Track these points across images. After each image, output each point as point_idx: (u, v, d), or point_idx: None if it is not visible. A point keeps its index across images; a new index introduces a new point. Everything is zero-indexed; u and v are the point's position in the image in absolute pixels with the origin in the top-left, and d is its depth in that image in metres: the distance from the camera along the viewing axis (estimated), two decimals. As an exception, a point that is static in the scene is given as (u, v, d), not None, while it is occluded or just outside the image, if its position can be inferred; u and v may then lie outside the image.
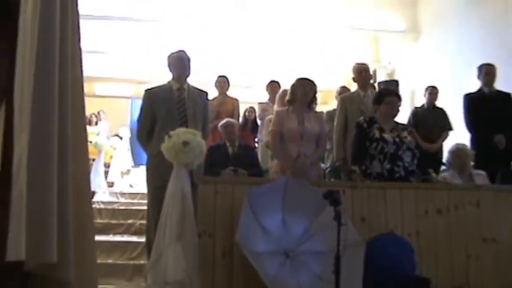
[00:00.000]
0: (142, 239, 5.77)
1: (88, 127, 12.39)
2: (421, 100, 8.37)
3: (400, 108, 5.19)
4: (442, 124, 7.41)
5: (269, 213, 4.30)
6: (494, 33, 10.31)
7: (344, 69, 11.04)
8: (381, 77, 13.47)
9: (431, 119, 7.45)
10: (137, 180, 10.74)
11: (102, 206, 8.13)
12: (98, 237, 6.18)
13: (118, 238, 6.68)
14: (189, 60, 5.30)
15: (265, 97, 8.40)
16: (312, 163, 5.09)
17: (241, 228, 4.04)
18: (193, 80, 5.38)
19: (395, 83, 12.01)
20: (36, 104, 1.99)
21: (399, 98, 5.22)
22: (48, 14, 2.04)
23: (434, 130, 7.35)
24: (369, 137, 4.97)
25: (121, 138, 12.42)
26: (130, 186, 10.96)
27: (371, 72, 7.07)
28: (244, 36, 13.24)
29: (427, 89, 7.77)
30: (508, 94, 6.58)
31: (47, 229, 1.94)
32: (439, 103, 7.71)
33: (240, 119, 8.66)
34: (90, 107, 13.14)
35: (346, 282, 3.63)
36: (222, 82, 8.35)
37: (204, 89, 5.52)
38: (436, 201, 4.82)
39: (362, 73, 6.48)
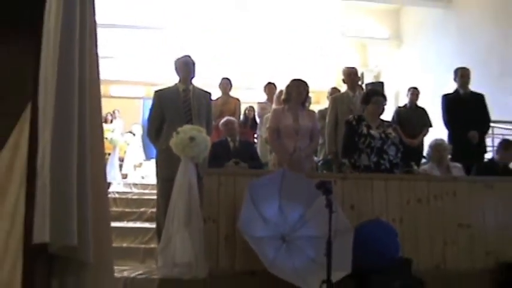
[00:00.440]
0: (153, 225, 5.76)
1: (104, 125, 12.35)
2: (404, 100, 8.37)
3: (385, 107, 5.19)
4: (423, 122, 7.42)
5: (267, 202, 4.31)
6: (470, 40, 10.32)
7: (335, 72, 11.06)
8: (368, 79, 13.51)
9: (413, 117, 7.46)
10: (148, 173, 10.71)
11: (117, 196, 8.12)
12: (113, 224, 6.16)
13: (131, 224, 6.66)
14: (193, 63, 5.29)
15: (263, 97, 8.40)
16: (307, 156, 5.10)
17: (243, 216, 4.06)
18: (197, 82, 5.38)
19: (381, 84, 12.01)
20: (58, 105, 1.99)
21: (384, 98, 5.22)
22: (69, 24, 2.05)
23: (416, 127, 7.35)
24: (357, 133, 4.97)
25: (134, 134, 12.40)
26: (142, 177, 10.94)
27: (359, 75, 7.06)
28: (245, 36, 13.21)
29: (409, 90, 7.77)
30: (481, 95, 6.59)
31: (68, 216, 1.96)
32: (420, 103, 7.71)
33: (241, 117, 8.66)
34: (106, 107, 13.15)
35: (337, 264, 3.65)
36: (225, 84, 8.35)
37: (208, 90, 5.52)
38: (417, 191, 4.84)
39: (351, 76, 6.49)
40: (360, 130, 4.98)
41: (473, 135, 6.25)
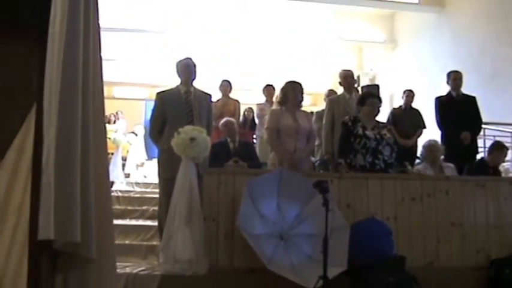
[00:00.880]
0: (155, 223, 5.76)
1: (107, 125, 12.40)
2: (398, 102, 8.39)
3: (380, 109, 5.20)
4: (417, 123, 7.42)
5: (266, 201, 4.32)
6: (463, 43, 10.35)
7: (332, 74, 11.05)
8: (364, 81, 13.53)
9: (407, 119, 7.46)
10: (150, 172, 10.70)
11: (120, 194, 8.10)
12: (116, 221, 6.17)
13: (134, 222, 6.65)
14: (194, 66, 5.29)
15: (262, 99, 8.40)
16: (306, 156, 5.10)
17: (241, 214, 4.06)
18: (198, 84, 5.37)
19: (377, 87, 11.99)
20: (62, 106, 2.00)
21: (380, 100, 5.23)
22: (73, 28, 2.05)
23: (410, 128, 7.36)
24: (353, 133, 4.97)
25: (136, 135, 12.39)
26: (144, 176, 10.92)
27: (355, 78, 7.06)
28: (245, 36, 13.20)
29: (404, 92, 7.77)
30: (473, 97, 6.59)
31: (72, 213, 1.96)
32: (414, 104, 7.73)
33: (241, 118, 8.66)
34: (110, 108, 13.13)
35: (333, 261, 3.66)
36: (225, 86, 8.34)
37: (208, 91, 5.52)
38: (411, 190, 4.85)
39: (347, 78, 6.50)
40: (355, 131, 4.98)
41: (465, 136, 6.26)
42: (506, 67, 9.05)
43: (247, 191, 4.18)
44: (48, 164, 1.95)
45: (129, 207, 7.35)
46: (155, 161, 5.63)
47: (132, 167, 11.49)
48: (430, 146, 5.88)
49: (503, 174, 6.55)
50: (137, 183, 9.39)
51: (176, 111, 5.08)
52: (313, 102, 14.26)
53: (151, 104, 5.46)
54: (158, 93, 5.30)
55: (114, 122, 13.24)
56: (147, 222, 6.53)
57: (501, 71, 9.16)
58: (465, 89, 6.64)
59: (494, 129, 8.28)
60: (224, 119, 6.57)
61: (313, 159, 6.40)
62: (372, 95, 5.50)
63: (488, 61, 9.48)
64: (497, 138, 7.11)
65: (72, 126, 2.02)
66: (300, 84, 5.14)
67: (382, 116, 6.02)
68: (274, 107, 6.71)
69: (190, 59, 5.33)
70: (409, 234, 4.72)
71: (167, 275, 4.11)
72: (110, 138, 10.62)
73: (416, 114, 7.52)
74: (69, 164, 1.99)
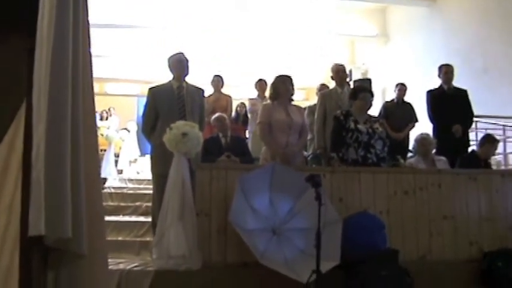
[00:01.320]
0: (148, 219, 5.77)
1: (100, 121, 12.40)
2: (391, 96, 8.41)
3: (372, 103, 5.20)
4: (409, 116, 7.45)
5: (258, 195, 4.32)
6: (454, 37, 10.38)
7: (324, 69, 11.07)
8: (356, 75, 13.56)
9: (399, 112, 7.48)
10: (143, 168, 10.72)
11: (112, 191, 8.11)
12: (109, 218, 6.18)
13: (127, 218, 6.65)
14: (187, 61, 5.26)
15: (254, 93, 8.40)
16: (298, 150, 5.09)
17: (234, 209, 4.06)
18: (196, 80, 5.35)
19: (369, 81, 12.05)
20: (51, 102, 1.99)
21: (372, 94, 5.23)
22: (62, 24, 2.04)
23: (402, 121, 7.38)
24: (345, 128, 4.98)
25: (129, 131, 12.38)
26: (137, 173, 10.93)
27: (347, 72, 7.07)
28: (245, 36, 13.20)
29: (396, 85, 7.79)
30: (465, 90, 6.62)
31: (63, 209, 1.96)
32: (407, 98, 7.74)
33: (233, 114, 8.66)
34: (102, 104, 13.17)
35: (326, 255, 3.67)
36: (217, 81, 8.34)
37: (203, 87, 5.51)
38: (403, 183, 4.86)
39: (339, 72, 6.50)
40: (347, 125, 4.99)
41: (456, 129, 6.28)
42: (498, 60, 9.09)
43: (240, 186, 4.18)
44: (38, 160, 1.94)
45: (122, 204, 7.35)
46: (148, 157, 5.62)
47: (125, 163, 11.50)
48: (422, 139, 5.91)
49: (494, 167, 6.59)
50: (130, 180, 9.41)
51: (168, 107, 5.06)
52: (306, 97, 14.28)
53: (144, 100, 5.44)
54: (150, 89, 5.29)
55: (107, 119, 13.23)
56: (140, 219, 6.53)
57: (493, 64, 9.19)
58: (457, 83, 6.67)
59: (486, 122, 8.32)
60: (216, 114, 6.57)
61: (305, 153, 6.41)
62: (364, 89, 5.51)
63: (480, 55, 9.51)
64: (489, 131, 7.13)
65: (61, 122, 2.01)
66: (289, 78, 5.10)
67: (374, 110, 6.04)
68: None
69: (182, 53, 5.31)
70: (401, 227, 4.74)
71: (161, 270, 4.10)
72: (102, 135, 10.62)
73: (409, 107, 7.54)
74: (59, 160, 1.98)
